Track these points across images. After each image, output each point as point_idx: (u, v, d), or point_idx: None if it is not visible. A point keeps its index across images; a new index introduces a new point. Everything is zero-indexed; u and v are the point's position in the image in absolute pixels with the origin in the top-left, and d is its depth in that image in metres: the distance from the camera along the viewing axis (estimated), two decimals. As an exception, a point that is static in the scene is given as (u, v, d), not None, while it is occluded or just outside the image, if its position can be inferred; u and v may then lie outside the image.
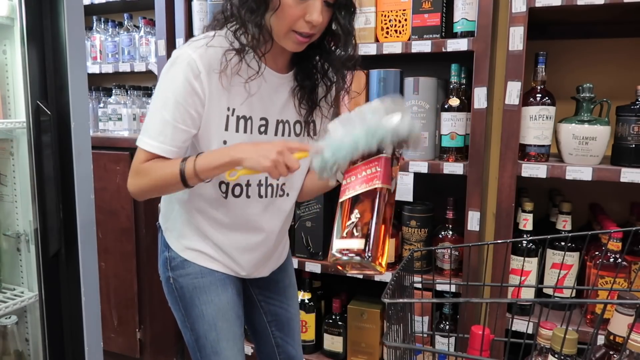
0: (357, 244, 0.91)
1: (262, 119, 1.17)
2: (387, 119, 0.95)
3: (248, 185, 1.20)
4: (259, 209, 1.23)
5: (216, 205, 1.21)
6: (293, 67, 1.21)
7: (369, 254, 0.90)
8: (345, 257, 0.92)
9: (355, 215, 0.94)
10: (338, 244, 0.93)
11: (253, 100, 1.14)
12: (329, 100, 1.27)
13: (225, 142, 1.14)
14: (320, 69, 1.21)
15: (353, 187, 0.97)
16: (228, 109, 1.13)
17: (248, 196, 1.21)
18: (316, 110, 1.24)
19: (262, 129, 1.18)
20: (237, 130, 1.15)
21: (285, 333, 1.45)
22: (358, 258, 0.90)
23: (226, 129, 1.13)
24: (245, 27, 1.07)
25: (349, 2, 1.10)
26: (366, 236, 0.91)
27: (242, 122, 1.15)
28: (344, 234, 0.94)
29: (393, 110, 0.96)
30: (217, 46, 1.09)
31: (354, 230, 0.93)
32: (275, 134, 1.20)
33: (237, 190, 1.19)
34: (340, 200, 0.97)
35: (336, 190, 1.05)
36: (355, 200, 0.96)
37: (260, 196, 1.22)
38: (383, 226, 0.93)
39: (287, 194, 1.27)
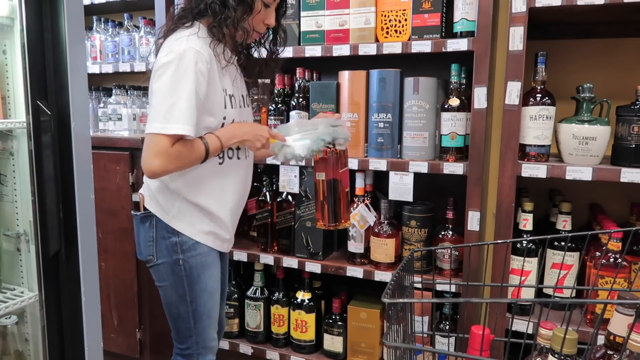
0: (323, 217, 1.54)
1: (241, 95, 1.51)
2: (329, 128, 1.47)
3: (238, 148, 1.51)
4: (244, 169, 1.55)
5: (215, 177, 1.47)
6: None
7: (331, 222, 1.52)
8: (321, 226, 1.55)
9: (320, 198, 1.53)
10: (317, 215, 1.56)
11: (234, 81, 1.47)
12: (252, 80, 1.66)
13: (224, 118, 1.43)
14: (251, 57, 1.58)
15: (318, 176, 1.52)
16: (224, 90, 1.42)
17: (238, 157, 1.51)
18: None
19: (240, 103, 1.50)
20: (232, 107, 1.45)
21: (222, 297, 1.68)
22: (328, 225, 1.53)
23: (225, 107, 1.43)
24: (238, 24, 1.38)
25: (286, 9, 1.55)
26: (328, 212, 1.52)
27: (230, 99, 1.45)
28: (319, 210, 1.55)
29: (330, 122, 1.49)
30: (205, 37, 1.37)
31: (322, 209, 1.54)
32: (245, 106, 1.54)
33: (230, 153, 1.48)
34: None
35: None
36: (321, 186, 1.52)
37: (238, 158, 1.52)
38: (337, 200, 1.51)
39: (249, 156, 1.60)
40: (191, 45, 1.31)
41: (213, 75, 1.36)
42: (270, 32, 1.56)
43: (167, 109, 1.28)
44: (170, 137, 1.29)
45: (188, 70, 1.29)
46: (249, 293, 2.16)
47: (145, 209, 1.49)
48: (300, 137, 1.48)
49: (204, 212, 1.47)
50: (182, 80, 1.29)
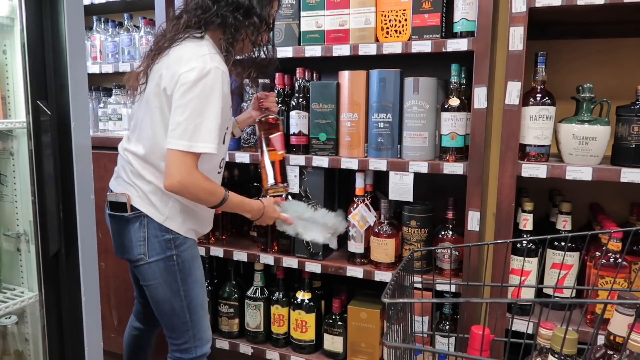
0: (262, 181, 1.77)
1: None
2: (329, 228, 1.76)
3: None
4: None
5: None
6: None
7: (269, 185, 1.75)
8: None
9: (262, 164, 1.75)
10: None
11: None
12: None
13: (227, 128, 1.53)
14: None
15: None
16: (230, 103, 1.50)
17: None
18: None
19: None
20: (231, 117, 1.57)
21: None
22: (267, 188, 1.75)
23: (229, 118, 1.52)
24: (254, 42, 1.49)
25: (273, 26, 1.60)
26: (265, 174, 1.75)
27: (230, 110, 1.52)
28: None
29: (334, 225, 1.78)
30: (221, 53, 1.45)
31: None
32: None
33: (222, 163, 1.61)
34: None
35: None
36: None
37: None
38: (272, 162, 1.75)
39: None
40: (216, 64, 1.36)
41: (230, 93, 1.45)
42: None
43: (194, 129, 1.34)
44: (196, 155, 1.37)
45: (214, 91, 1.35)
46: (249, 293, 2.16)
47: (133, 208, 1.51)
48: (306, 216, 1.71)
49: (193, 212, 1.55)
50: (208, 100, 1.35)
